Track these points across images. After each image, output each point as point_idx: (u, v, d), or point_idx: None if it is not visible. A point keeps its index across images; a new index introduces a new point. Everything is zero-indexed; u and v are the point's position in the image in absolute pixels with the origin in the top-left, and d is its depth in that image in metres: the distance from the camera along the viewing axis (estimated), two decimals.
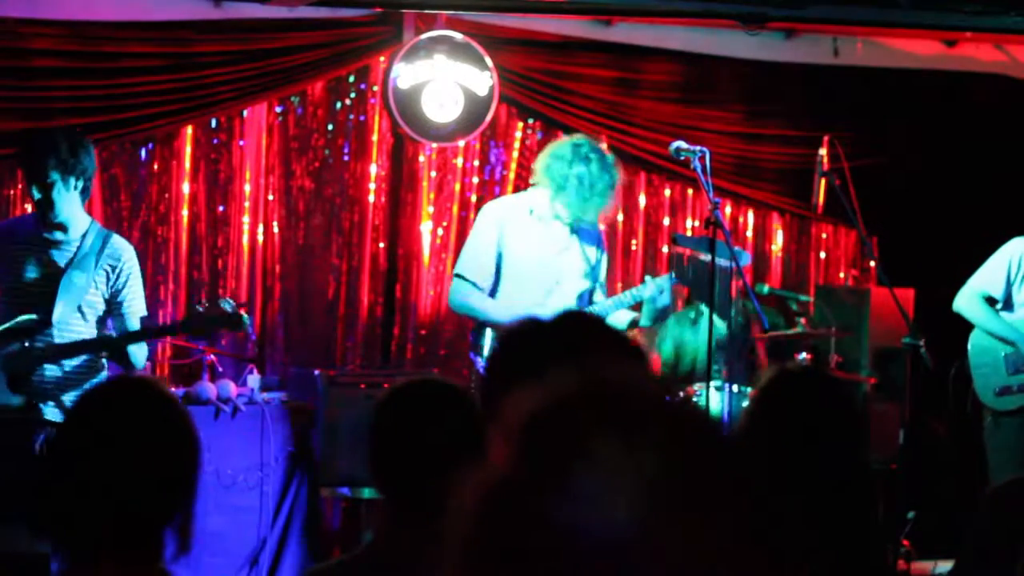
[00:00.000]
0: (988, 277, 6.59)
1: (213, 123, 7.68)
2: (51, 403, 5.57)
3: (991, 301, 6.57)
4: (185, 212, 7.62)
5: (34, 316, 5.55)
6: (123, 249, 5.75)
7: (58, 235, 5.63)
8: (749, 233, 8.65)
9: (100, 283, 5.67)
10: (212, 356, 7.12)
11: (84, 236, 5.65)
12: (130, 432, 2.45)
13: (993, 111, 8.58)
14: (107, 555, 2.39)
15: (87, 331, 5.64)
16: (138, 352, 5.66)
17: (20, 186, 7.35)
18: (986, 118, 8.58)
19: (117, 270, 5.69)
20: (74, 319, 5.63)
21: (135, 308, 5.75)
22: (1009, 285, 6.52)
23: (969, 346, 6.62)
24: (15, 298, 5.61)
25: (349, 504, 7.29)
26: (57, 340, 5.58)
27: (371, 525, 7.01)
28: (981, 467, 6.55)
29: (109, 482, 2.39)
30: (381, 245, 8.01)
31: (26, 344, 5.54)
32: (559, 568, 1.07)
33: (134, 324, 5.73)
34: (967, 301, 6.61)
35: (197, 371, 7.13)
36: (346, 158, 7.92)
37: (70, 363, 5.59)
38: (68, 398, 5.58)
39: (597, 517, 1.06)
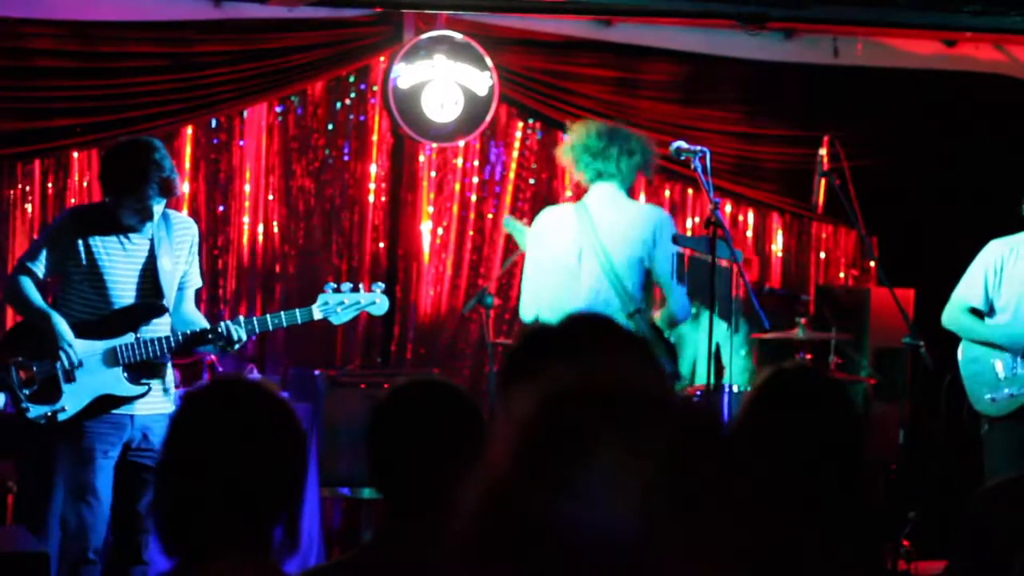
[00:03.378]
0: (967, 289, 6.54)
1: (213, 123, 7.69)
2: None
3: (977, 312, 6.54)
4: (185, 212, 7.62)
5: (158, 301, 5.46)
6: (187, 223, 5.67)
7: (135, 222, 5.45)
8: (749, 233, 8.65)
9: (180, 262, 5.57)
10: (212, 356, 7.11)
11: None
12: (243, 432, 2.53)
13: (993, 111, 8.58)
14: (221, 552, 2.47)
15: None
16: None
17: (20, 186, 7.36)
18: (986, 118, 8.58)
19: (189, 244, 5.60)
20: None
21: (195, 281, 5.69)
22: (988, 293, 6.50)
23: (959, 357, 6.59)
24: (98, 287, 5.41)
25: (349, 504, 7.29)
26: (164, 329, 5.49)
27: (371, 525, 7.02)
28: (980, 467, 6.55)
29: (222, 481, 2.48)
30: (381, 245, 8.02)
31: (139, 336, 5.42)
32: (560, 568, 1.07)
33: (190, 299, 5.66)
34: (951, 314, 6.59)
35: (197, 371, 7.13)
36: (346, 158, 7.93)
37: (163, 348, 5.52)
38: (157, 383, 5.52)
39: (597, 517, 1.06)
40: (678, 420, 1.13)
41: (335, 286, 5.75)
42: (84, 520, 5.33)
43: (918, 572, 7.15)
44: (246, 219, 7.75)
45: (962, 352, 6.58)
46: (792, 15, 7.99)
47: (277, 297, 7.82)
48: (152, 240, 5.48)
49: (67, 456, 5.38)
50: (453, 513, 1.15)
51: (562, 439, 1.11)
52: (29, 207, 7.33)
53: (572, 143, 6.34)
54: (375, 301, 5.79)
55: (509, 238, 8.07)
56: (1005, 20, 8.03)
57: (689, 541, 1.07)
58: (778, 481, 1.15)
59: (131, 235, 5.44)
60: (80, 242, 5.41)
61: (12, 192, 7.35)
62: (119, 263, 5.44)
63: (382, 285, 5.86)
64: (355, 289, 5.75)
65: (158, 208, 5.39)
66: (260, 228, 7.78)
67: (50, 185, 7.37)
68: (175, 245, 5.55)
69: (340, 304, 5.70)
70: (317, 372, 7.17)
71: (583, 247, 6.15)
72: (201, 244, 7.57)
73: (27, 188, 7.37)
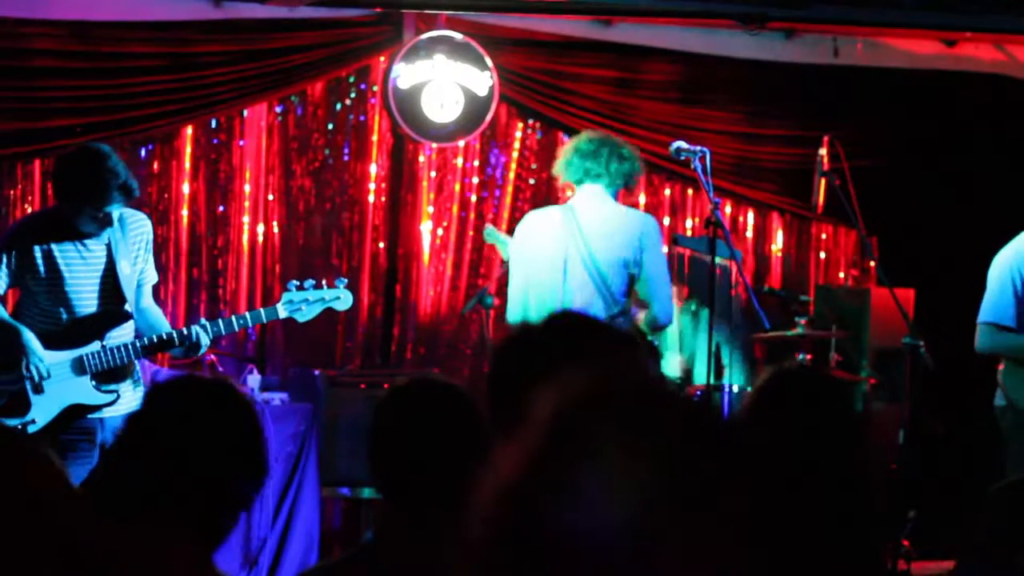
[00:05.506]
0: (995, 309, 6.21)
1: (213, 123, 7.69)
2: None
3: (1007, 330, 6.25)
4: (185, 212, 7.63)
5: (121, 308, 5.42)
6: (140, 220, 5.58)
7: (93, 229, 5.41)
8: (749, 233, 8.65)
9: (138, 262, 5.52)
10: (212, 356, 7.11)
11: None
12: (191, 426, 2.52)
13: (993, 111, 8.58)
14: (168, 539, 2.46)
15: None
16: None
17: (20, 186, 7.36)
18: (986, 118, 8.58)
19: (144, 241, 5.55)
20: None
21: (151, 277, 5.64)
22: (1017, 307, 6.24)
23: (1009, 393, 6.22)
24: (58, 297, 5.37)
25: (349, 504, 7.30)
26: (129, 335, 5.45)
27: (371, 525, 7.02)
28: (982, 467, 6.53)
29: (178, 472, 2.47)
30: (381, 245, 8.02)
31: (105, 344, 5.39)
32: (562, 569, 1.07)
33: (148, 295, 5.61)
34: (989, 339, 6.22)
35: (197, 370, 7.12)
36: (346, 158, 7.93)
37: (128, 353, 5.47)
38: (125, 385, 5.48)
39: (598, 518, 1.06)
40: (678, 420, 1.13)
41: (298, 283, 5.73)
42: None
43: (918, 572, 7.15)
44: (246, 219, 7.75)
45: (1007, 386, 6.24)
46: (792, 15, 7.99)
47: (277, 297, 7.81)
48: (109, 244, 5.43)
49: None
50: (461, 516, 1.15)
51: (562, 441, 1.11)
52: (29, 207, 7.33)
53: (564, 148, 6.31)
54: (339, 296, 5.75)
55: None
56: (1005, 20, 8.03)
57: (689, 541, 1.07)
58: (778, 481, 1.15)
59: (87, 241, 5.39)
60: (37, 252, 5.36)
61: (12, 192, 7.34)
62: (78, 271, 5.39)
63: (345, 280, 5.83)
64: (318, 286, 5.72)
65: (116, 213, 5.34)
66: (260, 228, 7.78)
67: (50, 185, 7.37)
68: (131, 245, 5.49)
69: (304, 301, 5.69)
70: (317, 372, 7.17)
71: (569, 248, 6.07)
72: (202, 244, 7.64)
73: (27, 188, 7.38)
